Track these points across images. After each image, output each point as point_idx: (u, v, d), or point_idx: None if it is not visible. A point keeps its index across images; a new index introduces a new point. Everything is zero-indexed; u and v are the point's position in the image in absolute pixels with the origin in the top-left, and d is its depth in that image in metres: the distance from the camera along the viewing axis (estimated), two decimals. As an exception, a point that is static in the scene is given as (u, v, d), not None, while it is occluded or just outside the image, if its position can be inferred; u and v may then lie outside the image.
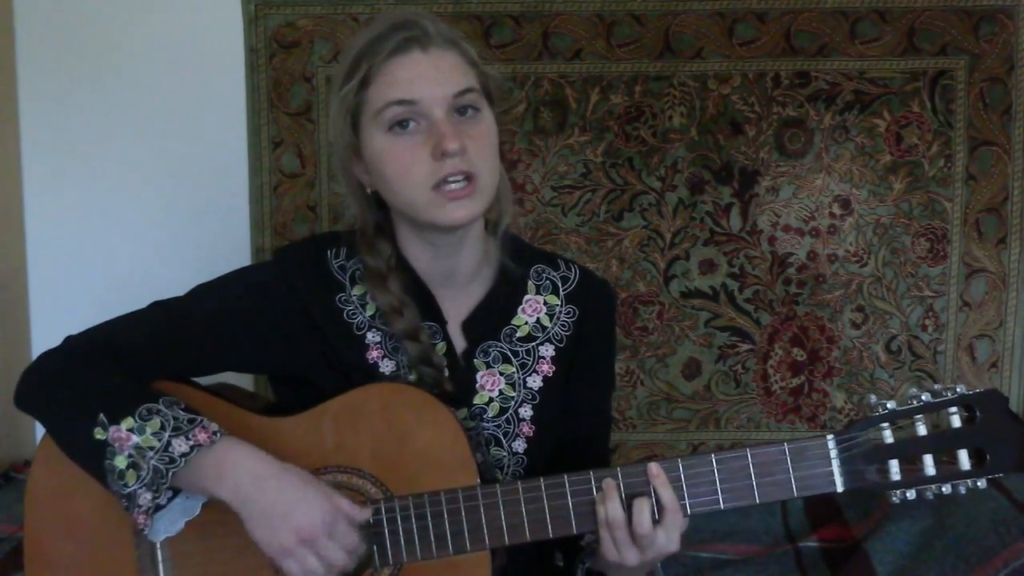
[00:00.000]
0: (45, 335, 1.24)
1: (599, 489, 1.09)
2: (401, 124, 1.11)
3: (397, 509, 1.12)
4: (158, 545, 1.15)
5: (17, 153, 2.17)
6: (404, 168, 1.12)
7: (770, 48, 2.11)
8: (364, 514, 1.10)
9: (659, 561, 1.15)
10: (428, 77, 1.11)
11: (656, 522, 1.08)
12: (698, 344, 2.18)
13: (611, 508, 1.08)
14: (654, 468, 1.09)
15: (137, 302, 1.23)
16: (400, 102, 1.10)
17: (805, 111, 2.12)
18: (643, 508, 1.07)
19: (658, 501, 1.08)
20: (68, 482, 1.14)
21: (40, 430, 1.17)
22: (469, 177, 1.12)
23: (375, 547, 1.13)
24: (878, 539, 1.66)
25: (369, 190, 1.19)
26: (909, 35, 2.10)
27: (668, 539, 1.08)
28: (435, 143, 1.10)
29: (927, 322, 2.16)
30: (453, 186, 1.11)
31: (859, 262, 2.16)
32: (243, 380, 1.32)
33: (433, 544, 1.12)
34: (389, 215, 1.22)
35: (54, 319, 2.11)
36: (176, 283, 1.25)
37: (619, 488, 1.09)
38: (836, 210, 2.15)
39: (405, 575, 1.14)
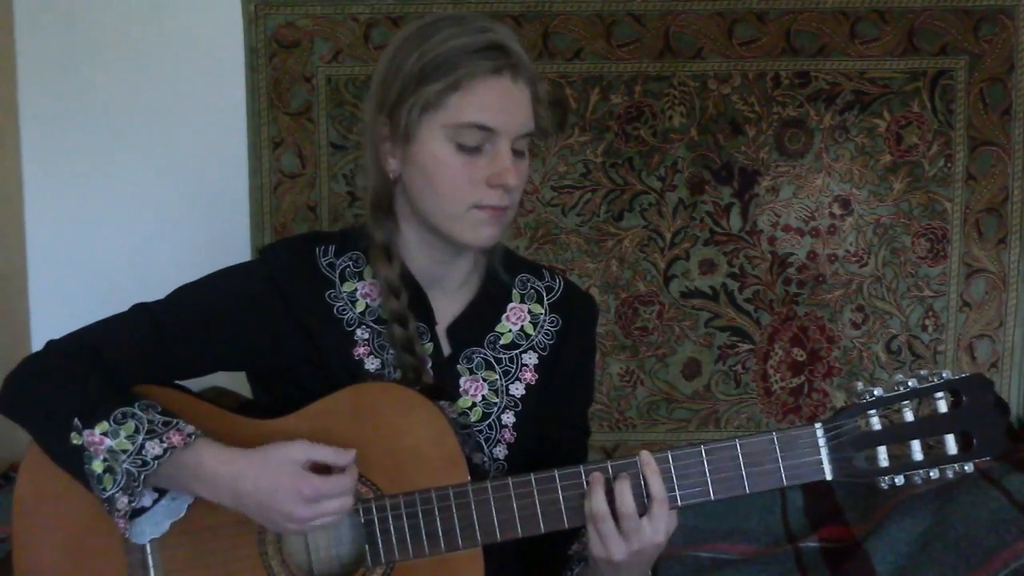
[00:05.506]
0: (45, 335, 1.23)
1: (588, 483, 1.10)
2: (474, 148, 1.13)
3: (388, 508, 1.12)
4: (148, 551, 1.14)
5: (17, 153, 2.17)
6: (456, 184, 1.13)
7: (770, 48, 2.11)
8: (348, 455, 1.09)
9: (649, 565, 1.15)
10: (511, 108, 1.13)
11: (643, 513, 1.08)
12: (698, 344, 2.18)
13: (596, 500, 1.08)
14: (645, 455, 1.10)
15: (136, 302, 1.22)
16: (483, 127, 1.11)
17: (805, 111, 2.12)
18: (625, 488, 1.08)
19: (647, 490, 1.09)
20: (55, 488, 1.13)
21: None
22: (505, 208, 1.15)
23: (367, 546, 1.13)
24: (878, 539, 1.66)
25: (392, 176, 1.18)
26: (909, 35, 2.10)
27: (654, 531, 1.08)
28: (494, 172, 1.12)
29: (927, 322, 2.16)
30: (490, 207, 1.14)
31: (859, 262, 2.16)
32: (238, 385, 1.32)
33: (425, 542, 1.12)
34: (394, 208, 1.22)
35: (54, 319, 2.10)
36: (176, 283, 1.24)
37: (605, 482, 1.09)
38: (836, 210, 2.15)
39: (398, 574, 1.14)
